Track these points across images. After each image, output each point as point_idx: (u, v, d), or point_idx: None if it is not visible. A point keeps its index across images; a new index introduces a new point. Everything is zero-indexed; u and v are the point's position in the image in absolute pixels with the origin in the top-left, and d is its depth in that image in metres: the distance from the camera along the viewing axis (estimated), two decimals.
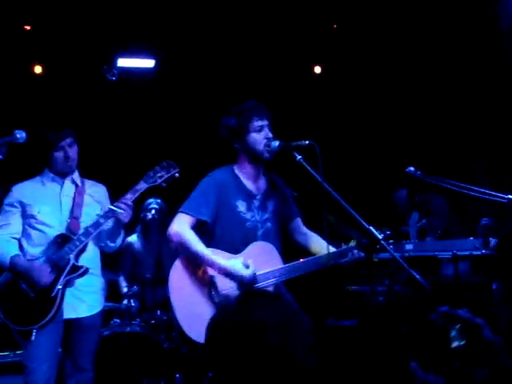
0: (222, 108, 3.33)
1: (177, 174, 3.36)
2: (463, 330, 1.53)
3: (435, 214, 4.63)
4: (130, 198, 3.29)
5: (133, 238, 5.09)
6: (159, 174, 3.34)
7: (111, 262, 4.84)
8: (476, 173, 4.76)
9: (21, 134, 2.96)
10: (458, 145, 5.49)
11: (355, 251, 3.13)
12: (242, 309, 1.39)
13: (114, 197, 3.43)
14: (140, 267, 4.96)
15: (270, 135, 3.17)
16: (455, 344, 1.51)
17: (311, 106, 6.33)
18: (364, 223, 2.74)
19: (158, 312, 4.55)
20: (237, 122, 3.18)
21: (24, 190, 3.39)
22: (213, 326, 1.43)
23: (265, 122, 3.18)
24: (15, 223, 3.34)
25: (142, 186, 3.32)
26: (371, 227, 2.75)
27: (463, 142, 5.41)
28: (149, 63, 6.20)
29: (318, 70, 6.36)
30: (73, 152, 3.38)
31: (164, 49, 6.10)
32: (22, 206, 3.35)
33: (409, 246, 4.08)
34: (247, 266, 3.03)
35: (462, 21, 5.49)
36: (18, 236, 3.35)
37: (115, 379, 4.26)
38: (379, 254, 4.38)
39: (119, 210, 3.25)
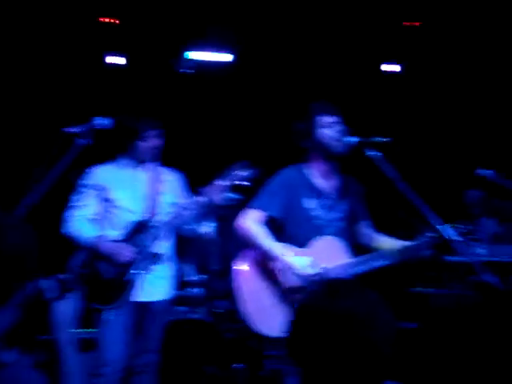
0: (298, 104, 3.36)
1: (255, 176, 3.42)
2: None
3: None
4: (211, 189, 3.37)
5: (204, 229, 5.19)
6: (239, 175, 3.40)
7: (181, 251, 4.97)
8: None
9: (105, 121, 3.09)
10: None
11: (425, 249, 3.08)
12: (329, 296, 1.40)
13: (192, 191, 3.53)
14: (209, 257, 5.05)
15: (342, 130, 3.16)
16: None
17: (384, 104, 6.25)
18: (437, 221, 2.69)
19: (224, 302, 4.62)
20: (306, 119, 3.19)
21: (101, 174, 3.49)
22: (300, 311, 1.44)
23: (335, 119, 3.18)
24: (91, 205, 3.45)
25: (223, 182, 3.39)
26: (445, 226, 2.71)
27: None
28: (227, 57, 6.27)
29: (389, 68, 6.27)
30: (156, 142, 3.49)
31: (242, 43, 6.16)
32: (99, 189, 3.45)
33: (481, 251, 3.95)
34: (313, 265, 3.05)
35: None
36: (93, 217, 3.46)
37: (177, 364, 4.37)
38: (449, 256, 4.30)
39: (210, 196, 3.32)
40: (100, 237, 3.38)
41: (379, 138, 2.97)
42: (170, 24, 5.82)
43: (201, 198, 3.38)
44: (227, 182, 3.40)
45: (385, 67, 6.32)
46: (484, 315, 4.18)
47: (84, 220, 3.43)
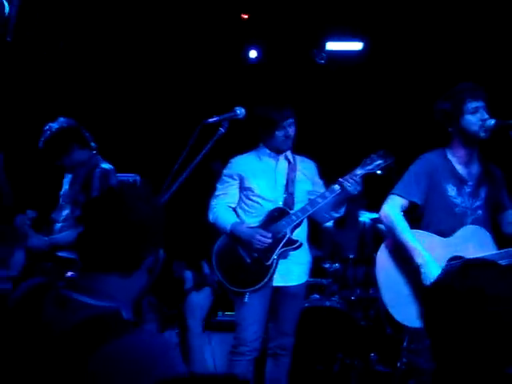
0: (434, 90, 3.28)
1: (392, 164, 3.43)
2: None
3: None
4: (357, 174, 3.41)
5: (329, 223, 5.23)
6: (376, 162, 3.45)
7: (316, 240, 5.04)
8: None
9: (240, 111, 3.22)
10: None
11: None
12: (460, 275, 1.39)
13: (327, 181, 3.60)
14: (338, 247, 5.08)
15: (486, 116, 3.06)
16: None
17: None
18: None
19: (358, 290, 4.62)
20: (451, 104, 3.13)
21: (242, 164, 3.64)
22: (434, 289, 1.44)
23: (480, 104, 3.08)
24: (232, 193, 3.62)
25: (360, 171, 3.43)
26: None
27: None
28: (357, 46, 6.25)
29: None
30: (292, 131, 3.57)
31: (372, 31, 6.09)
32: (240, 178, 3.60)
33: None
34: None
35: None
36: (233, 205, 3.63)
37: (312, 349, 4.44)
38: None
39: (348, 184, 3.36)
40: (239, 223, 3.53)
41: None
42: (302, 16, 5.88)
43: (337, 187, 3.43)
44: (363, 171, 3.42)
45: None
46: None
47: (225, 208, 3.60)
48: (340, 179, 3.41)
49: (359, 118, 6.27)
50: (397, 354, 4.60)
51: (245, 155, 3.70)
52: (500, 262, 2.98)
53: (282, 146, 3.59)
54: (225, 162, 3.69)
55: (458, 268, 1.41)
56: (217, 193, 3.65)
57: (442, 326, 1.37)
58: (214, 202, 3.63)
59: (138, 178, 4.30)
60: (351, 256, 4.72)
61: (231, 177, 3.63)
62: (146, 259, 1.54)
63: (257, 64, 6.17)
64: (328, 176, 3.67)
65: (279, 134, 3.53)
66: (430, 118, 3.27)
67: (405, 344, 4.59)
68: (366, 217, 4.96)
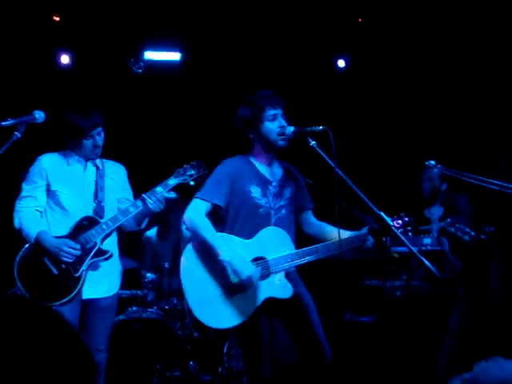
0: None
1: (205, 175, 3.45)
2: None
3: (460, 214, 4.55)
4: (160, 192, 3.38)
5: (151, 232, 5.17)
6: (189, 173, 3.47)
7: (133, 251, 4.93)
8: (503, 164, 4.65)
9: (39, 115, 3.03)
10: (483, 135, 5.42)
11: (367, 240, 3.11)
12: None
13: (140, 190, 3.50)
14: (159, 257, 5.02)
15: (284, 123, 3.19)
16: None
17: (329, 93, 6.32)
18: (375, 209, 2.71)
19: (175, 300, 4.59)
20: (250, 112, 3.21)
21: (51, 164, 3.44)
22: None
23: (278, 111, 3.20)
24: (40, 196, 3.40)
25: (173, 181, 3.43)
26: (382, 213, 2.73)
27: (488, 132, 5.34)
28: (174, 56, 6.26)
29: (340, 63, 6.34)
30: (101, 140, 3.45)
31: (190, 41, 6.15)
32: (48, 179, 3.40)
33: (427, 241, 4.02)
34: (252, 266, 3.07)
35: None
36: (41, 209, 3.41)
37: (129, 363, 4.32)
38: (397, 248, 4.35)
39: (150, 201, 3.33)
40: (45, 232, 3.32)
41: (316, 127, 2.99)
42: (119, 24, 5.77)
43: (139, 203, 3.39)
44: (176, 181, 3.42)
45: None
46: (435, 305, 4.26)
47: (32, 213, 3.39)
48: (143, 195, 3.37)
49: (176, 127, 6.27)
50: (217, 361, 4.65)
51: (53, 155, 3.50)
52: (298, 260, 3.14)
53: (91, 155, 3.47)
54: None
55: None
56: (23, 194, 3.42)
57: None
58: (19, 206, 3.40)
59: None
60: (166, 265, 4.67)
61: (39, 176, 3.41)
62: None
63: (69, 70, 5.88)
64: (143, 185, 3.59)
65: (87, 142, 3.40)
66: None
67: (225, 349, 4.67)
68: (183, 226, 4.95)
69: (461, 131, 5.74)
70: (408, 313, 4.54)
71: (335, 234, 3.04)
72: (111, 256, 3.41)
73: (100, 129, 3.43)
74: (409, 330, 4.49)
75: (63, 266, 3.29)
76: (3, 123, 2.86)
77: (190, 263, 3.15)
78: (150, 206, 3.35)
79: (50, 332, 1.26)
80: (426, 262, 2.55)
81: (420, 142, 5.82)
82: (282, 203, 3.26)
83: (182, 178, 3.46)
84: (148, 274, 4.66)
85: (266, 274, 3.11)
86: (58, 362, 1.22)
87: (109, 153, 3.61)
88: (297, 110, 3.31)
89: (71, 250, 3.27)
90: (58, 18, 5.64)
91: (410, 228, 3.02)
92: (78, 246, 3.29)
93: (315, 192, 3.43)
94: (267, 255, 3.13)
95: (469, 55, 5.66)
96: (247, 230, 3.16)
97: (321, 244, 3.16)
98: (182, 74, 6.29)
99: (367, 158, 6.15)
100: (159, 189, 3.39)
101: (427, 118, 5.98)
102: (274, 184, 3.27)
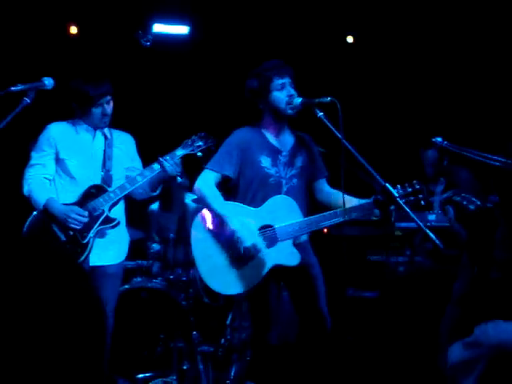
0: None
1: (213, 147, 3.46)
2: None
3: (461, 188, 4.55)
4: (178, 155, 3.42)
5: (155, 205, 5.21)
6: (197, 144, 3.49)
7: (139, 222, 4.96)
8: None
9: (49, 81, 3.04)
10: (493, 121, 5.40)
11: (374, 208, 3.12)
12: None
13: (148, 160, 3.54)
14: (163, 229, 5.06)
15: (293, 92, 3.20)
16: None
17: (339, 66, 6.30)
18: (381, 180, 2.72)
19: (179, 270, 4.63)
20: (258, 82, 3.22)
21: (59, 133, 3.46)
22: None
23: (286, 80, 3.21)
24: (49, 164, 3.44)
25: (181, 152, 3.45)
26: (387, 184, 2.74)
27: (498, 118, 5.32)
28: (183, 29, 6.24)
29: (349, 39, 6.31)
30: (110, 109, 3.46)
31: (198, 15, 6.11)
32: (56, 148, 3.43)
33: (431, 217, 4.03)
34: (257, 235, 3.10)
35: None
36: (50, 177, 3.45)
37: (134, 332, 4.37)
38: (401, 224, 4.36)
39: (167, 164, 3.35)
40: (53, 200, 3.35)
41: (323, 98, 2.99)
42: None
43: (157, 166, 3.41)
44: (184, 152, 3.44)
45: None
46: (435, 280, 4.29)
47: (40, 180, 3.42)
48: (160, 158, 3.40)
49: (184, 100, 6.27)
50: (219, 333, 4.71)
51: (62, 124, 3.52)
52: (305, 228, 3.17)
53: (99, 124, 3.48)
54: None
55: None
56: (32, 162, 3.45)
57: None
58: (28, 173, 3.43)
59: None
60: (171, 236, 4.71)
61: (47, 145, 3.44)
62: None
63: (77, 39, 5.87)
64: (150, 155, 3.61)
65: (96, 111, 3.41)
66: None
67: (228, 321, 4.72)
68: (187, 198, 4.99)
69: (468, 106, 5.73)
70: (411, 288, 4.58)
71: (347, 201, 3.07)
72: (118, 224, 3.45)
73: (109, 97, 3.44)
74: (412, 306, 4.53)
75: (71, 233, 3.33)
76: (13, 88, 2.87)
77: (199, 233, 3.20)
78: (168, 169, 3.37)
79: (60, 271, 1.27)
80: (431, 234, 2.57)
81: (426, 116, 5.81)
82: (293, 172, 3.28)
83: (189, 149, 3.48)
84: (154, 245, 4.70)
85: (273, 242, 3.15)
86: (67, 302, 1.22)
87: (117, 123, 3.63)
88: (305, 82, 3.32)
89: (79, 216, 3.31)
90: None
91: (421, 196, 3.01)
92: (86, 213, 3.32)
93: (329, 160, 3.43)
94: (275, 223, 3.16)
95: (483, 30, 5.62)
96: (258, 200, 3.20)
97: (328, 212, 3.17)
98: (191, 48, 6.27)
99: (374, 130, 6.15)
100: (176, 152, 3.42)
101: (434, 93, 5.96)
102: (284, 153, 3.29)
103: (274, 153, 3.26)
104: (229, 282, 3.13)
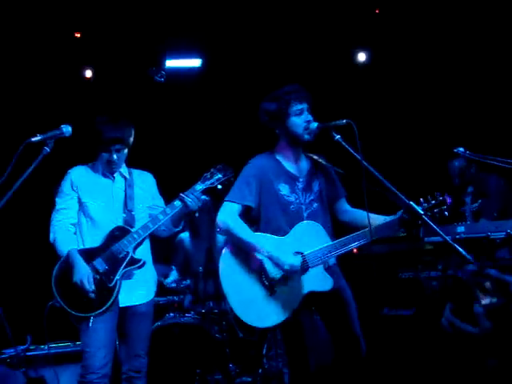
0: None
1: (232, 178, 3.46)
2: (494, 288, 1.50)
3: (491, 195, 4.48)
4: (198, 189, 3.41)
5: (185, 234, 5.21)
6: (216, 177, 3.47)
7: (165, 256, 4.97)
8: None
9: (66, 129, 3.05)
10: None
11: (399, 226, 3.06)
12: None
13: (169, 197, 3.54)
14: (192, 261, 5.06)
15: (310, 118, 3.19)
16: (486, 301, 1.48)
17: (354, 86, 6.30)
18: (404, 198, 2.69)
19: (211, 303, 4.61)
20: (276, 106, 3.21)
21: (80, 176, 3.49)
22: None
23: (304, 106, 3.21)
24: (73, 208, 3.46)
25: (200, 186, 3.44)
26: (412, 203, 2.70)
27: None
28: (195, 62, 6.31)
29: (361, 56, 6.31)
30: (117, 157, 3.43)
31: (210, 47, 6.19)
32: (78, 191, 3.46)
33: (460, 229, 3.95)
34: (292, 255, 3.08)
35: None
36: (75, 221, 3.46)
37: (170, 368, 4.35)
38: (430, 238, 4.29)
39: (188, 199, 3.35)
40: (75, 252, 3.34)
41: (339, 121, 2.97)
42: (139, 34, 5.84)
43: (178, 203, 3.41)
44: (204, 186, 3.43)
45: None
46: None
47: (66, 228, 3.44)
48: (181, 194, 3.40)
49: (199, 131, 6.31)
50: (256, 363, 4.66)
51: (82, 167, 3.56)
52: (334, 251, 3.12)
53: (105, 169, 3.50)
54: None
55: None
56: (57, 207, 3.47)
57: None
58: (55, 219, 3.45)
59: None
60: (200, 269, 4.70)
61: (70, 189, 3.47)
62: None
63: (92, 82, 5.97)
64: (169, 191, 3.63)
65: (104, 155, 3.43)
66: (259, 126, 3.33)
67: (264, 351, 4.68)
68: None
69: (483, 121, 5.67)
70: (445, 303, 4.48)
71: (372, 220, 3.02)
72: (144, 264, 3.44)
73: (119, 146, 3.43)
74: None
75: (97, 277, 3.34)
76: (33, 139, 2.89)
77: (228, 266, 3.17)
78: (189, 204, 3.36)
79: None
80: (459, 249, 2.52)
81: (443, 131, 5.76)
82: (312, 197, 3.26)
83: (209, 183, 3.46)
84: (182, 281, 4.70)
85: (305, 269, 3.12)
86: None
87: (135, 161, 3.65)
88: (319, 106, 3.31)
89: (87, 285, 3.26)
90: (79, 35, 5.74)
91: (445, 207, 2.93)
92: (93, 288, 3.27)
93: (347, 181, 3.40)
94: (304, 250, 3.13)
95: (494, 43, 5.58)
96: (282, 229, 3.17)
97: (356, 233, 3.12)
98: (204, 80, 6.33)
99: (392, 149, 6.11)
100: (196, 187, 3.42)
101: (449, 108, 5.92)
102: (301, 179, 3.27)
103: (292, 179, 3.25)
104: (263, 314, 3.08)
